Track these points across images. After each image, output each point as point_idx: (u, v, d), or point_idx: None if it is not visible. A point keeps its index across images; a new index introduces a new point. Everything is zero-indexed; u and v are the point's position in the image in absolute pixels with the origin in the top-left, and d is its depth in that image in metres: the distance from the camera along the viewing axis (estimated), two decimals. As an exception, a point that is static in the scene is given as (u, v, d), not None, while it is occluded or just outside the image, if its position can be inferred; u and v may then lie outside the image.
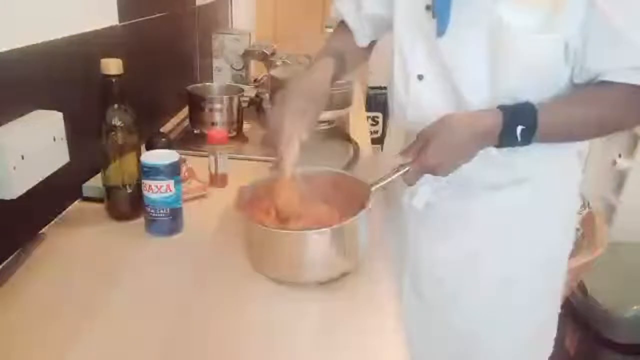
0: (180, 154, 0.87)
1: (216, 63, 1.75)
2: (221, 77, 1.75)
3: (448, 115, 0.77)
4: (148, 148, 1.06)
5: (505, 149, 0.78)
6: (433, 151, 0.75)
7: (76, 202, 0.96)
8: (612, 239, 1.73)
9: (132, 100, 0.86)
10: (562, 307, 1.05)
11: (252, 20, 2.49)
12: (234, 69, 1.75)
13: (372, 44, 1.03)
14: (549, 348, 1.05)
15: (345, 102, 1.37)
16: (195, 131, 1.32)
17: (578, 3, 0.71)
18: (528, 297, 0.96)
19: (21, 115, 0.78)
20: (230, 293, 0.74)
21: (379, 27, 0.97)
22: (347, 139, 1.32)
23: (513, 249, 0.93)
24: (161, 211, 0.85)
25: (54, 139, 0.82)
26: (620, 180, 2.13)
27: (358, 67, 1.04)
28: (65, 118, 0.84)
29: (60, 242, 0.84)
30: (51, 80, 0.84)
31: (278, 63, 1.53)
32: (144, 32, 1.21)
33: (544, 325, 1.03)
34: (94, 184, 0.95)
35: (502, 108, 0.76)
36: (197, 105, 1.30)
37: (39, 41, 0.80)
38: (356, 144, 1.28)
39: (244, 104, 1.41)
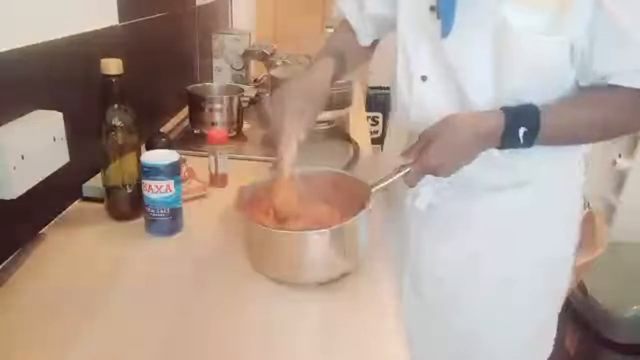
0: (180, 154, 0.87)
1: (216, 63, 1.75)
2: (221, 77, 1.75)
3: (452, 116, 0.77)
4: (148, 148, 1.06)
5: (507, 151, 0.78)
6: (435, 151, 0.75)
7: (76, 202, 0.96)
8: (612, 239, 1.72)
9: (132, 100, 0.85)
10: (562, 307, 1.05)
11: (252, 20, 2.49)
12: (234, 69, 1.74)
13: (375, 43, 1.02)
14: (549, 348, 1.05)
15: (345, 102, 1.37)
16: (195, 131, 1.32)
17: (585, 3, 0.71)
18: (528, 297, 0.96)
19: (21, 115, 0.78)
20: (230, 293, 0.74)
21: (381, 27, 0.97)
22: (347, 139, 1.32)
23: (514, 250, 0.93)
24: (161, 211, 0.85)
25: (54, 139, 0.82)
26: (620, 180, 2.12)
27: (359, 67, 1.04)
28: (65, 118, 0.84)
29: (60, 242, 0.84)
30: (51, 80, 0.84)
31: (278, 63, 1.53)
32: (144, 32, 1.21)
33: (544, 325, 1.03)
34: (94, 184, 0.95)
35: (504, 109, 0.76)
36: (197, 105, 1.30)
37: (39, 41, 0.80)
38: (356, 144, 1.28)
39: (244, 104, 1.41)
